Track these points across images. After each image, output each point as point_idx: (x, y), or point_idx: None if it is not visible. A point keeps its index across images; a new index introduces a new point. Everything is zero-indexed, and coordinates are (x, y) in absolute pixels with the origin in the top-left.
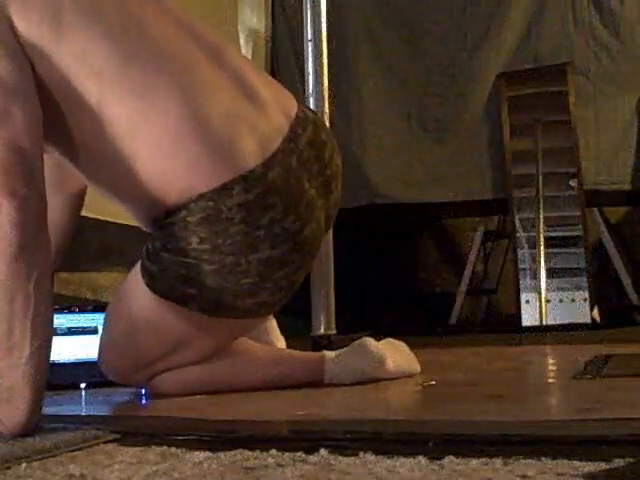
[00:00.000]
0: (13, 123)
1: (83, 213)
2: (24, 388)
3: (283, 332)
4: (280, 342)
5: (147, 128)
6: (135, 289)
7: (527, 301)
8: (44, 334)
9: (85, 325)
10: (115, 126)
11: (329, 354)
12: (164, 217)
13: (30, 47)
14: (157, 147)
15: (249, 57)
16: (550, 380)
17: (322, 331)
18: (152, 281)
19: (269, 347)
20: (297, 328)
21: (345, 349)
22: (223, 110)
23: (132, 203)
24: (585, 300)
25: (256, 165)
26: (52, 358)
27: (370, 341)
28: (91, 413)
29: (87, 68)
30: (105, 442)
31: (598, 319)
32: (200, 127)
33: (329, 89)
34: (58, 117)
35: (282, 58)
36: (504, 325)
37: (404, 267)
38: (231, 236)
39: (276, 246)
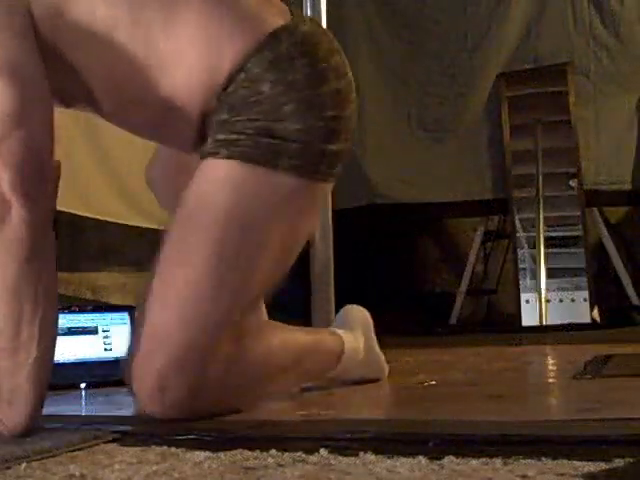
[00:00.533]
0: (31, 122)
1: (83, 213)
2: (27, 390)
3: None
4: None
5: (180, 27)
6: (197, 212)
7: (527, 301)
8: (50, 336)
9: (85, 325)
10: (144, 36)
11: (347, 357)
12: (222, 90)
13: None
14: (198, 41)
15: None
16: (550, 380)
17: None
18: (235, 151)
19: (295, 342)
20: None
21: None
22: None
23: (182, 108)
24: (585, 300)
25: (286, 21)
26: None
27: (376, 349)
28: (91, 413)
29: None
30: (105, 442)
31: (598, 319)
32: (228, 6)
33: None
34: (81, 68)
35: None
36: (504, 325)
37: (404, 267)
38: (299, 71)
39: (340, 77)
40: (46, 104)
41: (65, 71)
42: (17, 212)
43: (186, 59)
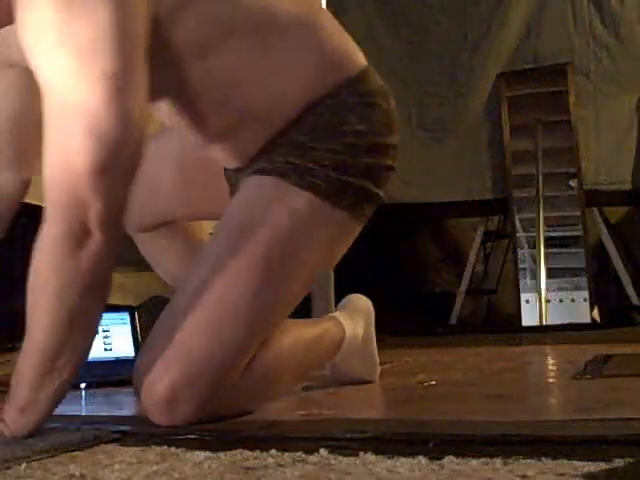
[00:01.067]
0: (135, 158)
1: None
2: (45, 404)
3: None
4: None
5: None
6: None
7: (527, 301)
8: (83, 362)
9: None
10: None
11: (347, 343)
12: (308, 109)
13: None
14: (306, 57)
15: None
16: (550, 380)
17: None
18: (305, 180)
19: (303, 339)
20: None
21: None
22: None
23: (266, 118)
24: (585, 300)
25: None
26: None
27: (374, 344)
28: (91, 413)
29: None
30: (105, 442)
31: (598, 319)
32: (332, 38)
33: None
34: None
35: None
36: (504, 325)
37: (404, 267)
38: (380, 114)
39: (397, 133)
40: (145, 131)
41: (160, 73)
42: (96, 243)
43: (291, 71)
